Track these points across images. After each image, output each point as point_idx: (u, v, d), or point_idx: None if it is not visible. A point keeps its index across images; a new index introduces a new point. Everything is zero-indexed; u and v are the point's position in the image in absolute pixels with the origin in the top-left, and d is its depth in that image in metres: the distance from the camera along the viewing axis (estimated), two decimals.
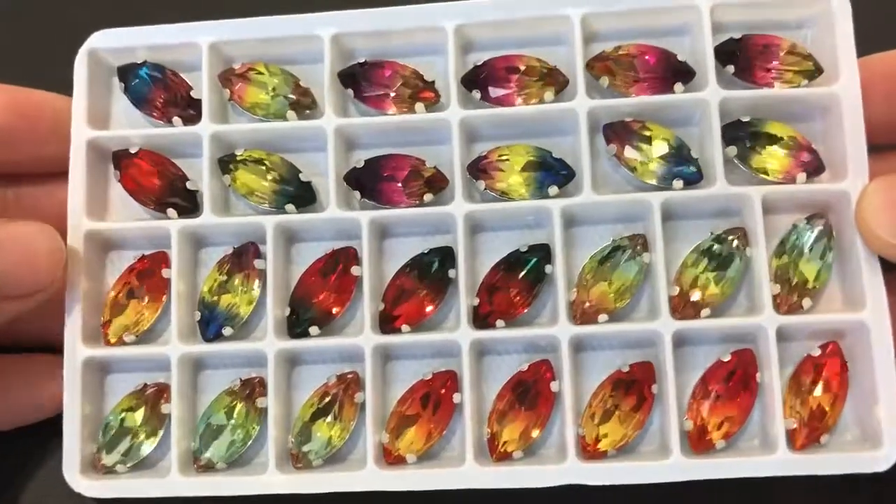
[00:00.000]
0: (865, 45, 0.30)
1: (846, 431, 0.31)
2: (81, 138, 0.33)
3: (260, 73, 0.33)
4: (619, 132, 0.32)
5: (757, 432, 0.31)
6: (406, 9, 0.33)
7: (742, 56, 0.31)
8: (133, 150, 0.33)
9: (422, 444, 0.31)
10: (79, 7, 0.38)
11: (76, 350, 0.32)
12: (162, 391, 0.32)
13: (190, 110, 0.33)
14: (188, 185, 0.33)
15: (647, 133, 0.31)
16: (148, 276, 0.33)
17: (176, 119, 0.33)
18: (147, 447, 0.32)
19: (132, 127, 0.34)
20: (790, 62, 0.31)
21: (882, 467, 0.29)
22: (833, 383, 0.30)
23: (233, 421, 0.32)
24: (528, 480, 0.30)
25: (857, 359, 0.30)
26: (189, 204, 0.33)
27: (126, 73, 0.34)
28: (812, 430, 0.30)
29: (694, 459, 0.30)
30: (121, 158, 0.33)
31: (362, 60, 0.33)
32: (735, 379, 0.30)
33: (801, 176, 0.31)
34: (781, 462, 0.29)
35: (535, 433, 0.31)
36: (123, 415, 0.32)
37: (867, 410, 0.30)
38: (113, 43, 0.33)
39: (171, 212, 0.33)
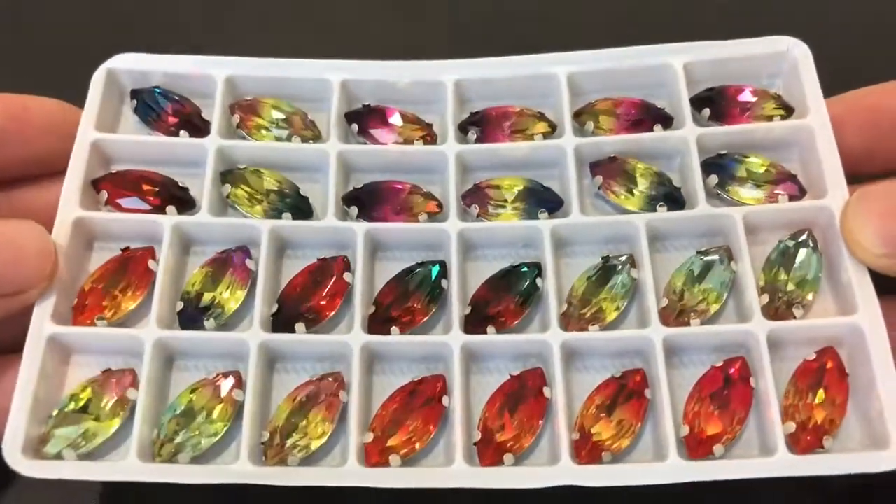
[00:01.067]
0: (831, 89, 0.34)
1: (850, 436, 0.30)
2: (86, 139, 0.33)
3: (269, 105, 0.35)
4: (604, 168, 0.34)
5: (755, 440, 0.30)
6: (410, 63, 0.36)
7: (717, 103, 0.35)
8: (113, 171, 0.34)
9: (407, 448, 0.29)
10: (101, 31, 0.40)
11: (42, 326, 0.30)
12: (128, 376, 0.30)
13: (198, 130, 0.35)
14: (180, 184, 0.34)
15: (631, 167, 0.34)
16: (131, 267, 0.32)
17: (182, 132, 0.34)
18: (102, 435, 0.29)
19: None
20: (762, 105, 0.34)
21: (890, 466, 0.28)
22: (833, 387, 0.30)
23: (203, 414, 0.29)
24: (521, 481, 0.28)
25: (856, 363, 0.30)
26: (184, 198, 0.33)
27: (139, 93, 0.35)
28: (814, 434, 0.29)
29: (692, 462, 0.29)
30: (98, 183, 0.33)
31: (367, 104, 0.36)
32: (730, 385, 0.30)
33: (784, 198, 0.33)
34: (782, 463, 0.28)
35: (527, 440, 0.30)
36: (81, 397, 0.29)
37: (870, 413, 0.29)
38: (131, 66, 0.35)
39: (171, 209, 0.33)
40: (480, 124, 0.35)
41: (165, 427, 0.29)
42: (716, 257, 0.32)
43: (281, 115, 0.35)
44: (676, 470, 0.28)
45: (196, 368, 0.31)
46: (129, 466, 0.28)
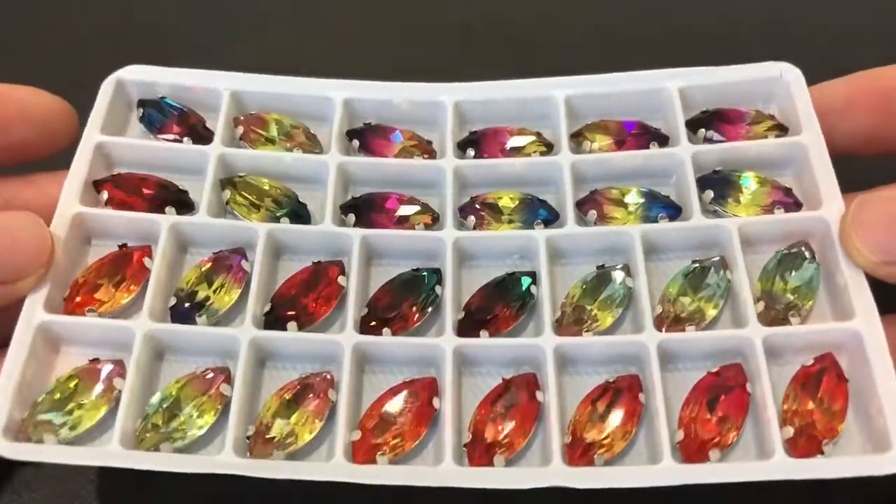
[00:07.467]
0: None
1: (850, 442, 0.29)
2: (91, 141, 0.34)
3: (273, 119, 0.36)
4: (592, 200, 0.34)
5: (752, 446, 0.29)
6: (412, 85, 0.37)
7: (712, 124, 0.35)
8: (114, 173, 0.34)
9: (395, 448, 0.29)
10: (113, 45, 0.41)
11: (34, 313, 0.30)
12: (116, 366, 0.30)
13: (201, 139, 0.35)
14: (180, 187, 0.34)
15: (619, 192, 0.34)
16: (126, 262, 0.32)
17: (186, 140, 0.35)
18: (87, 423, 0.29)
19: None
20: (757, 125, 0.35)
21: (892, 469, 0.27)
22: (831, 393, 0.29)
23: (189, 407, 0.29)
24: (511, 481, 0.28)
25: (856, 368, 0.30)
26: (183, 200, 0.34)
27: (145, 103, 0.36)
28: (813, 439, 0.28)
29: (685, 465, 0.28)
30: (100, 184, 0.34)
31: (368, 122, 0.37)
32: (726, 390, 0.29)
33: (780, 211, 0.33)
34: (779, 466, 0.28)
35: (518, 443, 0.29)
36: (68, 385, 0.29)
37: (870, 417, 0.29)
38: (139, 77, 0.36)
39: (170, 209, 0.33)
40: (478, 143, 0.36)
41: (150, 417, 0.29)
42: (710, 266, 0.32)
43: (284, 129, 0.36)
44: (670, 473, 0.28)
45: (186, 363, 0.31)
46: (109, 452, 0.27)
